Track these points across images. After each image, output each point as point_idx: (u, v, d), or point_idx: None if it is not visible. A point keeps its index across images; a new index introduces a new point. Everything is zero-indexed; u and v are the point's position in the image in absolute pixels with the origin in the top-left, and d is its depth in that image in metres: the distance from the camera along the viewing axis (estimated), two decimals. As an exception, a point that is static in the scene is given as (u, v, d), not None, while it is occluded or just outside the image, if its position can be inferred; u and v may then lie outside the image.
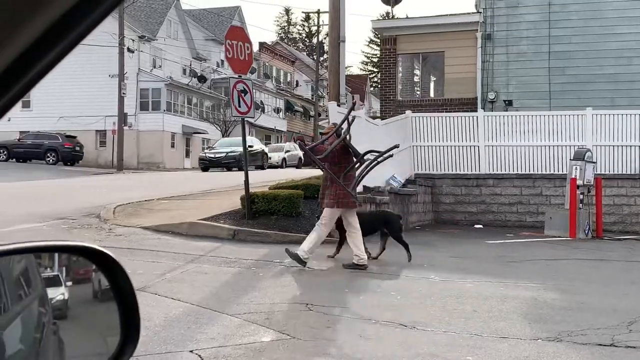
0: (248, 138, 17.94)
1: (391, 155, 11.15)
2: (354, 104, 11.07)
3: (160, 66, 51.36)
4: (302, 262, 9.34)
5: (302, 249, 9.38)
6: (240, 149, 15.20)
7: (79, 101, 47.14)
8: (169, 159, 49.27)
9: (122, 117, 40.83)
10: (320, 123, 62.10)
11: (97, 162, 45.70)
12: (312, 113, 67.36)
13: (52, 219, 13.16)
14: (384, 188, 15.93)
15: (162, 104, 49.23)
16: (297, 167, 47.29)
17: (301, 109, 68.60)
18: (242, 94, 13.05)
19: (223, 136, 49.98)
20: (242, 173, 13.60)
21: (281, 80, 69.81)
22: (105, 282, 1.39)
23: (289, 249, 9.54)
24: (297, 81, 72.96)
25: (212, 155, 36.38)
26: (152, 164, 47.58)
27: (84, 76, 45.83)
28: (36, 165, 37.46)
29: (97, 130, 47.81)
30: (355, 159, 9.90)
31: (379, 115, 29.27)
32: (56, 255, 1.42)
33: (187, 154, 52.85)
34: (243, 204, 13.13)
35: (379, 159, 10.83)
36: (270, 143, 57.98)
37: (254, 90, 13.83)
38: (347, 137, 9.77)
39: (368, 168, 10.41)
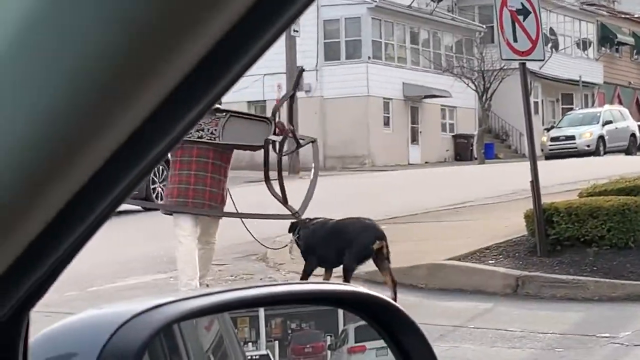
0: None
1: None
2: (300, 72, 12.37)
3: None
4: None
5: None
6: None
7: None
8: (379, 147, 49.98)
9: (308, 75, 42.10)
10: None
11: (250, 158, 47.40)
12: (653, 46, 65.84)
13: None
14: None
15: (365, 47, 50.28)
16: (628, 152, 46.32)
17: (631, 40, 67.23)
18: (519, 17, 13.05)
19: (481, 98, 50.11)
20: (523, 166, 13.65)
21: (589, -15, 68.87)
22: None
23: None
24: (620, -14, 71.67)
25: None
26: (349, 159, 48.59)
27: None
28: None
29: (249, 102, 49.70)
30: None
31: None
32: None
33: (414, 137, 53.47)
34: (530, 226, 13.18)
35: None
36: (572, 108, 57.33)
37: (540, 10, 13.78)
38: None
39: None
